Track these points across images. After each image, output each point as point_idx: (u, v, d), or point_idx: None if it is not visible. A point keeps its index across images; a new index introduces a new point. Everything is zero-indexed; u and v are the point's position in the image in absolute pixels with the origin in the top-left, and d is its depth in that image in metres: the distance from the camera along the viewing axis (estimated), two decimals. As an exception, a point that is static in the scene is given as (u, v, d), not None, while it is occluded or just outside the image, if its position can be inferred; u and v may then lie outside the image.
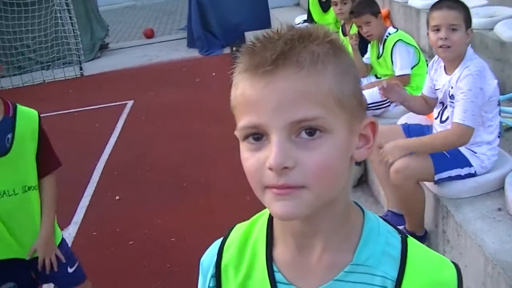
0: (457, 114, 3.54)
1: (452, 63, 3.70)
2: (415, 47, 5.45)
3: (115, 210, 6.05)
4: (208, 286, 1.31)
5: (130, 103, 9.70)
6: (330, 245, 1.19)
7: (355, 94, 1.13)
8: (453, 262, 1.22)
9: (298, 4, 12.69)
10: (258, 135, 1.09)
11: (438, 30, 3.64)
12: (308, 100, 1.06)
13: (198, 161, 6.92)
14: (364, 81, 5.79)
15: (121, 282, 4.79)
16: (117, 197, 6.28)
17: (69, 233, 5.64)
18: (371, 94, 5.32)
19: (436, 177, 3.69)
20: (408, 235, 1.24)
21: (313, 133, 1.07)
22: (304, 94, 1.06)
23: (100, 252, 5.28)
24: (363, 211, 1.24)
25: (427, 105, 4.08)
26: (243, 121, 1.10)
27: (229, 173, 6.31)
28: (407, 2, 7.62)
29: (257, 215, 1.32)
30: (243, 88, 1.10)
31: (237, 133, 1.14)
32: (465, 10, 3.67)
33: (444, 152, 3.69)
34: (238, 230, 1.33)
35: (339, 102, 1.09)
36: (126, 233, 5.51)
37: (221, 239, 1.35)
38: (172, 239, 5.24)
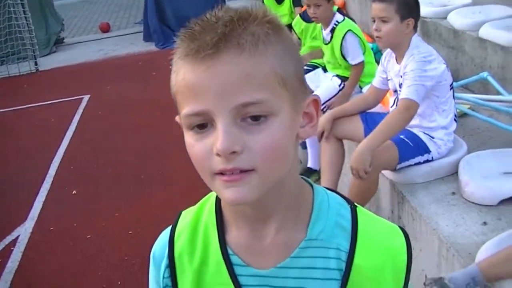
0: (402, 93, 3.63)
1: (398, 52, 3.79)
2: (360, 36, 5.43)
3: (72, 204, 5.99)
4: (163, 277, 1.29)
5: (86, 97, 9.59)
6: (283, 225, 1.19)
7: (297, 73, 1.13)
8: (401, 228, 1.24)
9: (254, -3, 12.69)
10: (203, 124, 1.08)
11: (374, 21, 3.77)
12: (252, 83, 1.05)
13: (155, 154, 6.89)
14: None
15: (79, 276, 4.76)
16: (74, 192, 6.22)
17: (26, 229, 5.59)
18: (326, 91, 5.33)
19: (398, 166, 3.72)
20: (357, 205, 1.25)
21: (258, 118, 1.06)
22: (247, 77, 1.05)
23: (57, 246, 5.24)
24: (312, 186, 1.24)
25: (371, 99, 4.15)
26: (186, 109, 1.09)
27: (186, 165, 6.19)
28: (362, -7, 7.68)
29: (203, 199, 1.30)
30: (184, 73, 1.08)
31: (179, 120, 1.13)
32: (400, 2, 3.72)
33: (406, 140, 3.72)
34: (186, 216, 1.30)
35: (282, 82, 1.08)
36: (83, 227, 5.46)
37: (169, 227, 1.32)
38: (130, 232, 5.22)
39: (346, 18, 5.47)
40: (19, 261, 5.10)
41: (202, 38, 1.06)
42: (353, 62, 5.32)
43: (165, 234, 1.32)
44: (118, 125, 8.14)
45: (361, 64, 5.25)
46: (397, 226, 1.25)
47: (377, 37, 3.78)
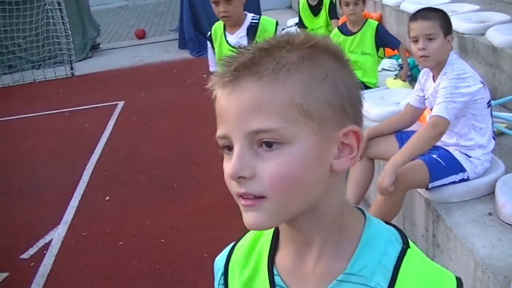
0: (433, 110, 3.60)
1: (436, 70, 3.73)
2: None
3: (105, 210, 6.03)
4: (219, 283, 1.36)
5: (121, 103, 9.67)
6: (324, 253, 1.18)
7: (331, 102, 1.10)
8: (456, 277, 1.19)
9: (290, 7, 12.72)
10: (229, 146, 1.11)
11: (416, 41, 3.71)
12: (264, 111, 1.06)
13: (189, 162, 6.91)
14: None
15: (110, 283, 4.78)
16: (107, 198, 6.26)
17: (59, 233, 5.63)
18: None
19: (430, 185, 3.69)
20: (411, 246, 1.19)
21: (271, 145, 1.07)
22: (259, 104, 1.07)
23: (89, 252, 5.27)
24: (365, 217, 1.22)
25: (408, 118, 4.08)
26: (217, 131, 1.14)
27: (220, 174, 6.21)
28: (399, 6, 7.65)
29: None
30: (217, 98, 1.13)
31: None
32: (442, 18, 3.71)
33: (439, 159, 3.69)
34: (251, 233, 1.35)
35: (303, 111, 1.07)
36: (115, 234, 5.50)
37: (235, 241, 1.39)
38: (162, 240, 5.23)
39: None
40: (51, 265, 5.15)
41: (228, 65, 1.11)
42: None
43: (228, 247, 1.40)
44: (152, 132, 8.18)
45: None
46: (452, 274, 1.19)
47: (423, 56, 3.68)
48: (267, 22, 4.40)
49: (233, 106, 1.08)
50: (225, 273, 1.34)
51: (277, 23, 4.46)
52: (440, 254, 3.64)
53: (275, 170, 1.07)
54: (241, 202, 1.12)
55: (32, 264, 5.20)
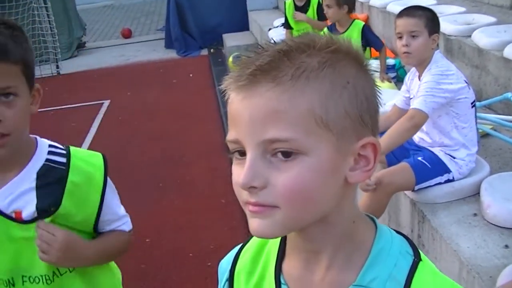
0: (412, 103, 3.63)
1: (421, 68, 3.75)
2: None
3: (90, 210, 5.98)
4: None
5: (106, 102, 9.63)
6: (334, 263, 1.14)
7: (351, 112, 1.05)
8: None
9: (277, 7, 12.69)
10: (242, 151, 1.06)
11: (400, 37, 3.73)
12: (281, 120, 1.01)
13: (175, 162, 6.90)
14: None
15: (95, 283, 4.75)
16: (92, 197, 6.21)
17: (43, 232, 5.59)
18: None
19: (416, 187, 3.69)
20: (423, 258, 1.15)
21: (288, 155, 1.01)
22: (276, 112, 1.01)
23: (74, 252, 5.23)
24: (376, 228, 1.17)
25: (394, 119, 3.99)
26: (228, 134, 1.08)
27: (206, 174, 6.29)
28: (385, 8, 7.66)
29: None
30: (230, 100, 1.07)
31: None
32: (428, 16, 3.73)
33: (424, 161, 3.69)
34: (257, 238, 1.28)
35: (321, 122, 1.02)
36: (100, 233, 5.45)
37: (241, 244, 1.33)
38: (147, 240, 5.21)
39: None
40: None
41: (243, 67, 1.05)
42: None
43: (234, 250, 1.34)
44: (138, 132, 8.16)
45: None
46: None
47: (406, 52, 3.69)
48: (86, 161, 2.10)
49: (247, 111, 1.02)
50: (231, 279, 1.29)
51: (105, 159, 2.17)
52: (426, 254, 3.56)
53: (291, 180, 1.02)
54: (248, 208, 1.06)
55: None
